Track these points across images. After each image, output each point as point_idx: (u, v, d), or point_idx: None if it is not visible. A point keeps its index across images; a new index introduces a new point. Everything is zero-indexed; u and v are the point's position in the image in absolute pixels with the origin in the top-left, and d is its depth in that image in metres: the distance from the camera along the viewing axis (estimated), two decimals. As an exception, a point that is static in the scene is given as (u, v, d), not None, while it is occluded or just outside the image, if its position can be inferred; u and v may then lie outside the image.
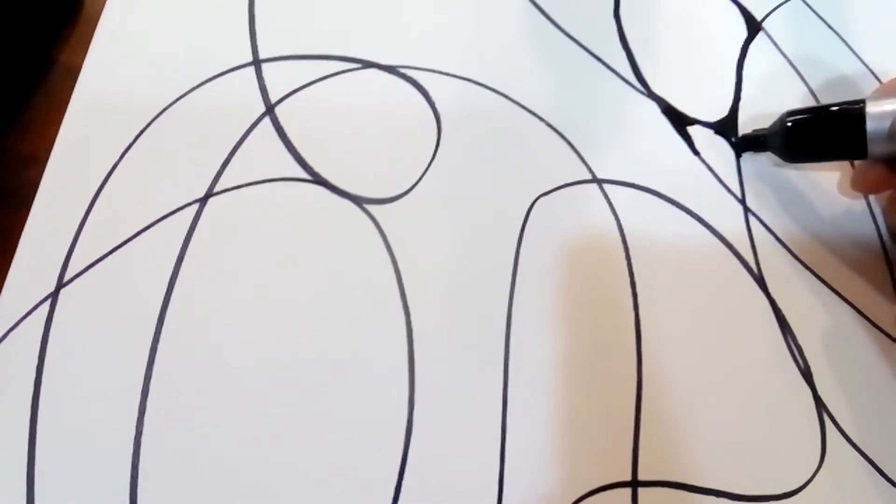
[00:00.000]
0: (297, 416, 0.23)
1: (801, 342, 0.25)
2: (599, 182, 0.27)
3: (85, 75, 0.27)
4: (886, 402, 0.25)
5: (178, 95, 0.27)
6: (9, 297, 0.24)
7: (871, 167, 0.25)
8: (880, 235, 0.27)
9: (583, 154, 0.27)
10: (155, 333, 0.24)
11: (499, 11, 0.30)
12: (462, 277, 0.25)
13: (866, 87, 0.29)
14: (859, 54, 0.30)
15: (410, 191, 0.26)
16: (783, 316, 0.26)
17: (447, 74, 0.28)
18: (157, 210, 0.25)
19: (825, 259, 0.27)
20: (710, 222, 0.27)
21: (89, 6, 0.29)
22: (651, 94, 0.29)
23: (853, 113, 0.23)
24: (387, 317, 0.24)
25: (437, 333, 0.24)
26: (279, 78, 0.28)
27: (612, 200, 0.27)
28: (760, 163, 0.28)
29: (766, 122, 0.27)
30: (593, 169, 0.27)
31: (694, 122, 0.28)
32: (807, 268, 0.26)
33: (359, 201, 0.26)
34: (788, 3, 0.31)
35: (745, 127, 0.28)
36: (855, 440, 0.24)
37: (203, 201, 0.26)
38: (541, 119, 0.28)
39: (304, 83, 0.28)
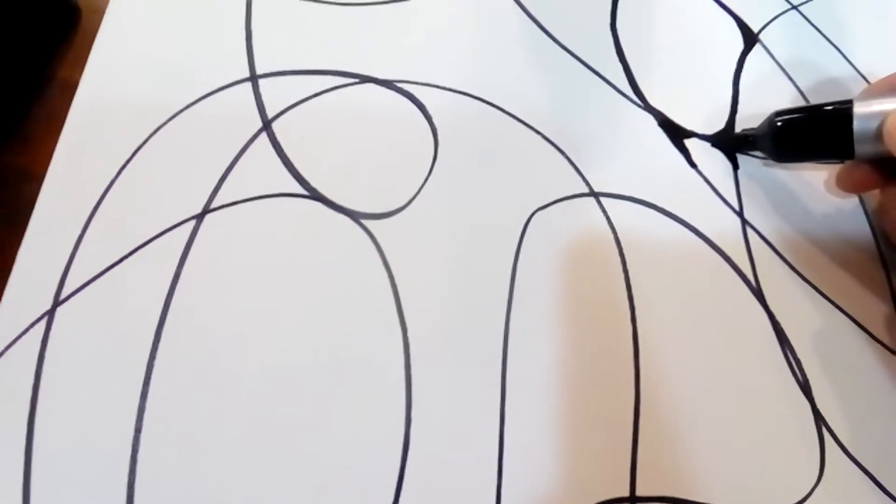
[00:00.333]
0: (293, 433, 0.23)
1: (799, 355, 0.25)
2: (596, 195, 0.27)
3: (82, 91, 0.27)
4: (886, 416, 0.25)
5: (174, 111, 0.27)
6: (5, 315, 0.24)
7: (857, 167, 0.25)
8: (879, 248, 0.27)
9: (580, 167, 0.27)
10: (151, 351, 0.24)
11: (495, 25, 0.30)
12: (459, 292, 0.25)
13: (863, 99, 0.29)
14: (856, 66, 0.30)
15: (407, 205, 0.26)
16: (781, 329, 0.26)
17: (444, 88, 0.28)
18: (154, 227, 0.25)
19: (824, 271, 0.27)
20: (708, 235, 0.27)
21: (87, 21, 0.29)
22: (648, 107, 0.29)
23: (840, 113, 0.23)
24: (384, 332, 0.24)
25: (434, 348, 0.24)
26: (276, 93, 0.28)
27: (610, 214, 0.27)
28: (758, 174, 0.28)
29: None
30: (590, 182, 0.27)
31: (691, 134, 0.28)
32: (805, 280, 0.26)
33: (355, 216, 0.26)
34: (785, 14, 0.31)
35: (742, 139, 0.28)
36: (854, 454, 0.24)
37: (200, 217, 0.26)
38: (538, 132, 0.28)
39: (301, 98, 0.28)
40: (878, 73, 0.30)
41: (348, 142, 0.27)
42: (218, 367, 0.24)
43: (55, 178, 0.26)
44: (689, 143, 0.28)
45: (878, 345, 0.26)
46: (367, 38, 0.29)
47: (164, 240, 0.25)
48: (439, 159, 0.27)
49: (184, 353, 0.24)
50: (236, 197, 0.26)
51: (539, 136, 0.28)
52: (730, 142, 0.28)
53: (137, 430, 0.23)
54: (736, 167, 0.28)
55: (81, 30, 0.29)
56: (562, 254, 0.26)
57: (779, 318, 0.26)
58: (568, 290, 0.26)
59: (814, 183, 0.28)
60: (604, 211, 0.27)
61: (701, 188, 0.28)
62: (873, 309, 0.26)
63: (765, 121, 0.26)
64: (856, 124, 0.23)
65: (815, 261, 0.27)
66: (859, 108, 0.23)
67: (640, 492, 0.23)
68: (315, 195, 0.26)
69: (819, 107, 0.25)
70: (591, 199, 0.27)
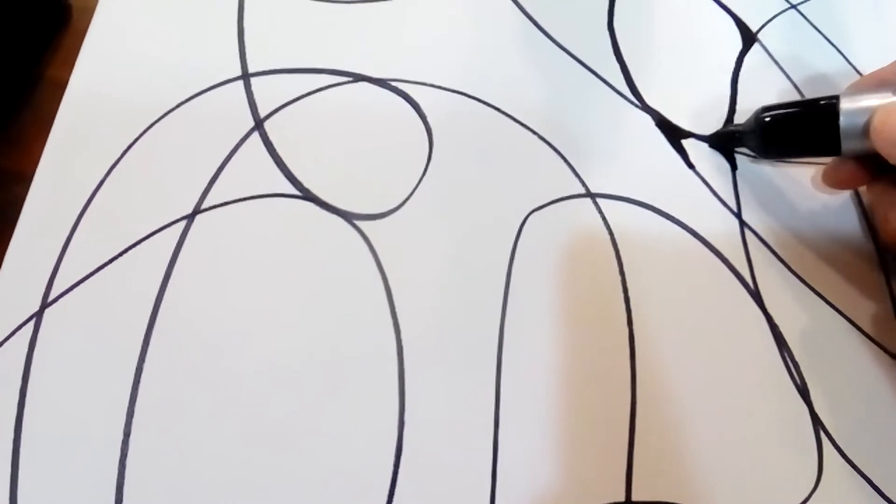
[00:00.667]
0: (285, 437, 0.23)
1: (797, 358, 0.25)
2: (593, 196, 0.27)
3: (71, 89, 0.27)
4: (884, 420, 0.25)
5: (165, 110, 0.27)
6: (-8, 317, 0.24)
7: (843, 163, 0.25)
8: (879, 251, 0.27)
9: (576, 168, 0.27)
10: (141, 354, 0.23)
11: (492, 23, 0.29)
12: (453, 294, 0.25)
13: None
14: (855, 65, 0.30)
15: (401, 206, 0.26)
16: (779, 331, 0.25)
17: (439, 87, 0.28)
18: (144, 227, 0.25)
19: (822, 273, 0.26)
20: (705, 236, 0.27)
21: (77, 20, 0.29)
22: (645, 107, 0.28)
23: (827, 109, 0.23)
24: (377, 334, 0.24)
25: (427, 351, 0.24)
26: (268, 92, 0.27)
27: (606, 215, 0.27)
28: (756, 175, 0.28)
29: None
30: (587, 183, 0.27)
31: (689, 135, 0.28)
32: (804, 282, 0.26)
33: (348, 217, 0.26)
34: (784, 14, 0.31)
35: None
36: (852, 458, 0.24)
37: (191, 218, 0.25)
38: (533, 132, 0.28)
39: (294, 97, 0.27)
40: (873, 63, 0.29)
41: (341, 141, 0.27)
42: (208, 369, 0.23)
43: (44, 178, 0.25)
44: (687, 143, 0.28)
45: (877, 348, 0.25)
46: (360, 36, 0.29)
47: (154, 241, 0.25)
48: (434, 159, 0.27)
49: (173, 355, 0.23)
50: (228, 197, 0.26)
51: (535, 136, 0.27)
52: (716, 138, 0.28)
53: (126, 434, 0.22)
54: (734, 168, 0.28)
55: (72, 29, 0.29)
56: (558, 255, 0.26)
57: (777, 320, 0.26)
58: (564, 291, 0.25)
59: (813, 192, 0.28)
60: (600, 212, 0.27)
61: (699, 189, 0.27)
62: (872, 312, 0.26)
63: (751, 116, 0.26)
64: (842, 120, 0.23)
65: (814, 263, 0.26)
66: (846, 104, 0.23)
67: (636, 496, 0.23)
68: (308, 195, 0.26)
69: (806, 102, 0.25)
70: (588, 200, 0.27)
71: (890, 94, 0.22)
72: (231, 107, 0.27)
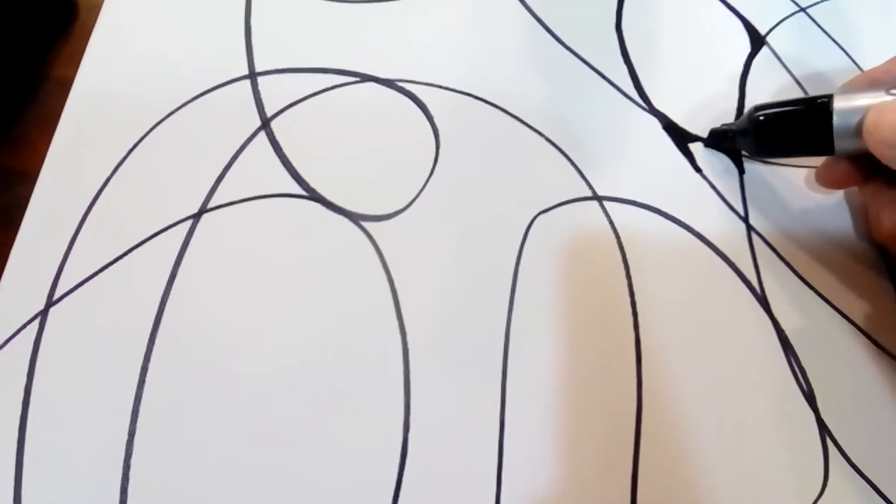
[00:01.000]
0: (290, 438, 0.23)
1: (804, 364, 0.25)
2: (600, 199, 0.27)
3: (77, 88, 0.27)
4: (890, 427, 0.24)
5: (171, 109, 0.27)
6: (-3, 316, 0.23)
7: (837, 162, 0.25)
8: (885, 256, 0.27)
9: (583, 170, 0.27)
10: (146, 353, 0.23)
11: (499, 25, 0.29)
12: (459, 296, 0.25)
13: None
14: (864, 68, 0.30)
15: (407, 207, 0.26)
16: (786, 336, 0.25)
17: (446, 88, 0.28)
18: (150, 227, 0.25)
19: (829, 278, 0.26)
20: (712, 240, 0.26)
21: (84, 19, 0.29)
22: (653, 110, 0.28)
23: (820, 108, 0.23)
24: (383, 336, 0.24)
25: (433, 353, 0.24)
26: (275, 91, 0.27)
27: (613, 218, 0.26)
28: (764, 179, 0.28)
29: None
30: (593, 186, 0.27)
31: (696, 138, 0.28)
32: (810, 287, 0.26)
33: (355, 218, 0.26)
34: (793, 17, 0.31)
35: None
36: (858, 464, 0.24)
37: (197, 217, 0.25)
38: (541, 134, 0.27)
39: (301, 97, 0.27)
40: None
41: (348, 142, 0.27)
42: (214, 370, 0.23)
43: (49, 177, 0.25)
44: (694, 146, 0.28)
45: (885, 354, 0.25)
46: (368, 36, 0.29)
47: (159, 240, 0.25)
48: (440, 160, 0.27)
49: (178, 355, 0.23)
50: (234, 197, 0.26)
51: (542, 139, 0.27)
52: (710, 137, 0.28)
53: (131, 434, 0.22)
54: (742, 172, 0.28)
55: (78, 27, 0.29)
56: (564, 258, 0.26)
57: (783, 325, 0.25)
58: (570, 294, 0.25)
59: (820, 196, 0.28)
60: (607, 215, 0.27)
61: (706, 192, 0.27)
62: (879, 318, 0.26)
63: (745, 115, 0.26)
64: (835, 119, 0.23)
65: (821, 268, 0.26)
66: (839, 104, 0.23)
67: (641, 500, 0.23)
68: (314, 196, 0.26)
69: (799, 101, 0.24)
70: (595, 203, 0.27)
71: (883, 94, 0.22)
72: (238, 106, 0.27)
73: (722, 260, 0.26)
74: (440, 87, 0.28)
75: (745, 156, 0.28)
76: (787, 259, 0.26)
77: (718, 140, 0.27)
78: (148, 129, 0.26)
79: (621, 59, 0.29)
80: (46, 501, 0.22)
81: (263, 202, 0.26)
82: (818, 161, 0.26)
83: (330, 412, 0.23)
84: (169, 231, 0.25)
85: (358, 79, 0.28)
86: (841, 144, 0.23)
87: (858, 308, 0.26)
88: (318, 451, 0.23)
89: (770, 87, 0.29)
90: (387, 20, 0.29)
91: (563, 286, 0.25)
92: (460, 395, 0.24)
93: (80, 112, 0.26)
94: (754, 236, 0.27)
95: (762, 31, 0.30)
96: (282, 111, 0.27)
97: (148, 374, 0.23)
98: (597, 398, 0.24)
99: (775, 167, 0.28)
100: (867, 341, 0.25)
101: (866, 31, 0.31)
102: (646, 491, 0.23)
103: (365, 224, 0.25)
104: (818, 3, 0.31)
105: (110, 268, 0.24)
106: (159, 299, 0.24)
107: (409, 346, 0.24)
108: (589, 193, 0.27)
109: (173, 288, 0.24)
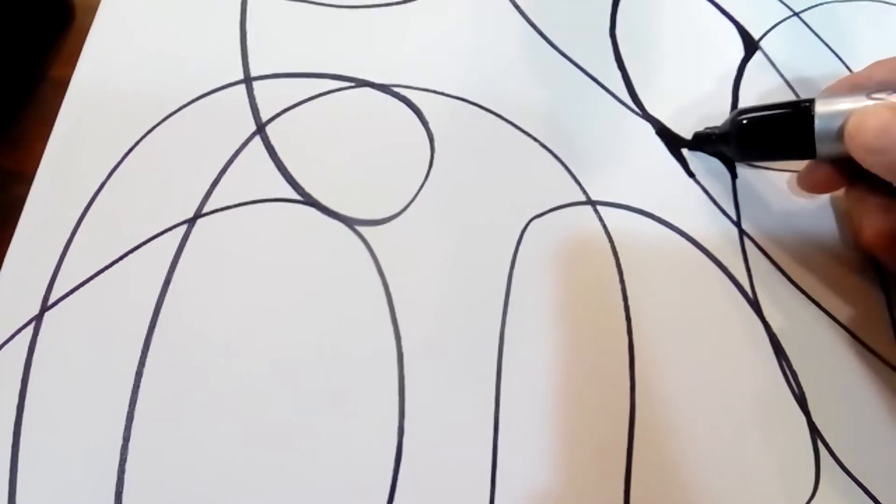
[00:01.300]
0: (285, 442, 0.23)
1: (795, 367, 0.25)
2: (593, 204, 0.27)
3: (73, 90, 0.27)
4: (882, 430, 0.25)
5: (167, 113, 0.27)
6: (-9, 320, 0.23)
7: (818, 166, 0.25)
8: (874, 260, 0.27)
9: (577, 175, 0.27)
10: (141, 358, 0.23)
11: (494, 30, 0.29)
12: (454, 301, 0.25)
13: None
14: (856, 74, 0.30)
15: (402, 212, 0.26)
16: (778, 341, 0.25)
17: (441, 93, 0.28)
18: (145, 231, 0.25)
19: (820, 282, 0.26)
20: (705, 244, 0.27)
21: (81, 19, 0.29)
22: (646, 115, 0.28)
23: (802, 112, 0.23)
24: (377, 340, 0.24)
25: (428, 357, 0.24)
26: (270, 96, 0.27)
27: (606, 222, 0.27)
28: (756, 184, 0.28)
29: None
30: (587, 190, 0.27)
31: (689, 143, 0.28)
32: (802, 291, 0.26)
33: (350, 222, 0.26)
34: (786, 21, 0.31)
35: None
36: (849, 467, 0.24)
37: (192, 222, 0.25)
38: (535, 139, 0.28)
39: (296, 102, 0.27)
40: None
41: (343, 146, 0.27)
42: (208, 375, 0.23)
43: (44, 180, 0.25)
44: (687, 151, 0.28)
45: (875, 358, 0.26)
46: (363, 41, 0.29)
47: (154, 244, 0.25)
48: (435, 165, 0.27)
49: (174, 360, 0.23)
50: (229, 201, 0.26)
51: (536, 144, 0.27)
52: (693, 140, 0.28)
53: (126, 439, 0.22)
54: (734, 177, 0.28)
55: (75, 28, 0.29)
56: (558, 262, 0.26)
57: (775, 329, 0.26)
58: (564, 299, 0.25)
59: (812, 202, 0.28)
60: (600, 219, 0.27)
61: (698, 197, 0.27)
62: (869, 321, 0.26)
63: (727, 119, 0.26)
64: (817, 123, 0.23)
65: (812, 272, 0.27)
66: (821, 108, 0.23)
67: (634, 501, 0.23)
68: (309, 200, 0.26)
69: (781, 105, 0.25)
70: (588, 208, 0.27)
71: (864, 98, 0.22)
72: (233, 110, 0.27)
73: (714, 264, 0.26)
74: (435, 92, 0.28)
75: (728, 159, 0.28)
76: (779, 263, 0.27)
77: (702, 143, 0.27)
78: (144, 132, 0.26)
79: (615, 65, 0.29)
80: (41, 508, 0.22)
81: (258, 207, 0.26)
82: (792, 164, 0.26)
83: (325, 415, 0.23)
84: (164, 235, 0.25)
85: (353, 84, 0.28)
86: (822, 148, 0.23)
87: (849, 311, 0.26)
88: (314, 454, 0.23)
89: (763, 91, 0.29)
90: (382, 25, 0.29)
91: (557, 290, 0.25)
92: (455, 397, 0.24)
93: (77, 113, 0.26)
94: (746, 240, 0.27)
95: (756, 36, 0.30)
96: (277, 116, 0.27)
97: (143, 379, 0.23)
98: (590, 401, 0.24)
99: (768, 172, 0.28)
100: (858, 344, 0.26)
101: (859, 36, 0.31)
102: (639, 492, 0.23)
103: (360, 229, 0.26)
104: (811, 7, 0.31)
105: (106, 272, 0.24)
106: (154, 303, 0.24)
107: (404, 349, 0.24)
108: (583, 198, 0.27)
109: (168, 292, 0.24)
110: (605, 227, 0.27)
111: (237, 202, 0.26)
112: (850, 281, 0.27)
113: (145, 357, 0.23)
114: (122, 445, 0.22)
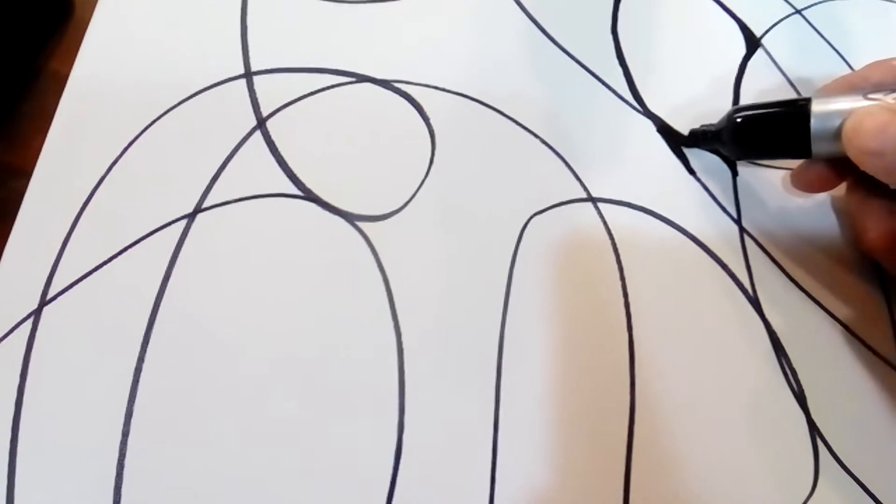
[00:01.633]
0: (284, 439, 0.23)
1: (795, 365, 0.25)
2: (594, 201, 0.27)
3: (72, 85, 0.27)
4: (881, 427, 0.25)
5: (167, 107, 0.26)
6: (-10, 315, 0.23)
7: (812, 165, 0.25)
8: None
9: (578, 172, 0.27)
10: (140, 353, 0.23)
11: (495, 27, 0.29)
12: (454, 297, 0.25)
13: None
14: (858, 72, 0.30)
15: (403, 208, 0.26)
16: (777, 338, 0.25)
17: (442, 90, 0.28)
18: (144, 226, 0.25)
19: (820, 281, 0.26)
20: (705, 242, 0.27)
21: (80, 13, 0.29)
22: (647, 112, 0.28)
23: (798, 111, 0.23)
24: (377, 336, 0.24)
25: (428, 354, 0.24)
26: (271, 91, 0.27)
27: (607, 219, 0.27)
28: (757, 182, 0.28)
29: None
30: (588, 187, 0.27)
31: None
32: (802, 289, 0.26)
33: (350, 218, 0.26)
34: (788, 19, 0.31)
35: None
36: (848, 465, 0.24)
37: (192, 217, 0.25)
38: (536, 136, 0.27)
39: (297, 97, 0.27)
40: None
41: (344, 142, 0.27)
42: (208, 370, 0.23)
43: (43, 175, 0.25)
44: (688, 149, 0.28)
45: (874, 356, 0.26)
46: (365, 36, 0.28)
47: (154, 239, 0.25)
48: (436, 161, 0.27)
49: (173, 355, 0.23)
50: (229, 196, 0.26)
51: (537, 140, 0.27)
52: (689, 137, 0.28)
53: (125, 434, 0.22)
54: (735, 174, 0.28)
55: (74, 21, 0.29)
56: (558, 259, 0.26)
57: (775, 327, 0.26)
58: (564, 295, 0.25)
59: (813, 200, 0.28)
60: (601, 216, 0.27)
61: (699, 195, 0.27)
62: (869, 319, 0.26)
63: (723, 117, 0.26)
64: (813, 123, 0.23)
65: (812, 270, 0.27)
66: (817, 107, 0.23)
67: (633, 500, 0.23)
68: (309, 196, 0.26)
69: (777, 104, 0.25)
70: (589, 205, 0.27)
71: (860, 98, 0.22)
72: (233, 105, 0.27)
73: (714, 261, 0.26)
74: (436, 88, 0.28)
75: (724, 156, 0.28)
76: (779, 261, 0.27)
77: (698, 140, 0.27)
78: (143, 126, 0.26)
79: (616, 62, 0.29)
80: (40, 501, 0.22)
81: (259, 202, 0.26)
82: (786, 162, 0.26)
83: (324, 412, 0.23)
84: (164, 230, 0.25)
85: (354, 79, 0.28)
86: (818, 148, 0.23)
87: (849, 309, 0.26)
88: (313, 451, 0.23)
89: (765, 89, 0.29)
90: (384, 21, 0.29)
91: (558, 287, 0.25)
92: (455, 394, 0.24)
93: (76, 108, 0.26)
94: (747, 238, 0.27)
95: (757, 34, 0.30)
96: (277, 111, 0.27)
97: (142, 374, 0.23)
98: (590, 398, 0.24)
99: (768, 170, 0.28)
100: (857, 343, 0.26)
101: (861, 34, 0.31)
102: (638, 491, 0.23)
103: (360, 224, 0.26)
104: (813, 5, 0.31)
105: (105, 267, 0.24)
106: (154, 298, 0.24)
107: (405, 345, 0.24)
108: (583, 195, 0.27)
109: (168, 287, 0.24)
110: (605, 223, 0.26)
111: (237, 197, 0.26)
112: (850, 279, 0.27)
113: (144, 352, 0.23)
114: (121, 440, 0.22)
